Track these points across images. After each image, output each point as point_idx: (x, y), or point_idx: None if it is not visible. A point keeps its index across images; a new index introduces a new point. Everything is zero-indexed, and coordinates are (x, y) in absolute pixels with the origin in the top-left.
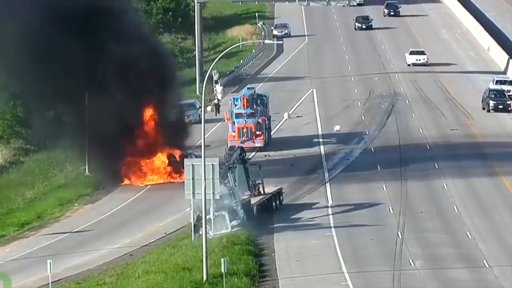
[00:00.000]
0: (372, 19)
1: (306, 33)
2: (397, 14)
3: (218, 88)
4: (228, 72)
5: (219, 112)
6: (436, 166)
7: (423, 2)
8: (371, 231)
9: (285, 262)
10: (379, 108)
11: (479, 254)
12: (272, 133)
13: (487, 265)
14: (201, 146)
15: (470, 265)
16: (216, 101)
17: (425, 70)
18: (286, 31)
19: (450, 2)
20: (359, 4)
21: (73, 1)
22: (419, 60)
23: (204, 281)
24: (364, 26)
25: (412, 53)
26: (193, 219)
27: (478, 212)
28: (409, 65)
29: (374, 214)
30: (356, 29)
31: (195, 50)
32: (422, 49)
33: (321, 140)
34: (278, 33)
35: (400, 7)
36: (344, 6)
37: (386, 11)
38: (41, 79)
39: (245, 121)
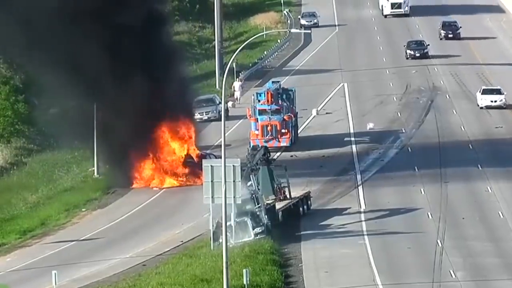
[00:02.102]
0: (428, 45)
1: (336, 22)
2: (456, 37)
3: (236, 84)
4: (250, 65)
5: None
6: (480, 168)
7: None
8: (407, 239)
9: (313, 273)
10: (416, 103)
11: None
12: (299, 131)
13: None
14: (221, 145)
15: None
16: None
17: (467, 62)
18: (314, 20)
19: None
20: (404, 15)
21: None
22: (495, 101)
23: None
24: (418, 54)
25: (485, 92)
26: (212, 225)
27: None
28: (481, 107)
29: (411, 220)
30: (407, 58)
31: (214, 40)
32: (499, 87)
33: (353, 139)
34: (306, 23)
35: (461, 27)
36: None
37: (442, 33)
38: (46, 71)
39: (270, 118)
